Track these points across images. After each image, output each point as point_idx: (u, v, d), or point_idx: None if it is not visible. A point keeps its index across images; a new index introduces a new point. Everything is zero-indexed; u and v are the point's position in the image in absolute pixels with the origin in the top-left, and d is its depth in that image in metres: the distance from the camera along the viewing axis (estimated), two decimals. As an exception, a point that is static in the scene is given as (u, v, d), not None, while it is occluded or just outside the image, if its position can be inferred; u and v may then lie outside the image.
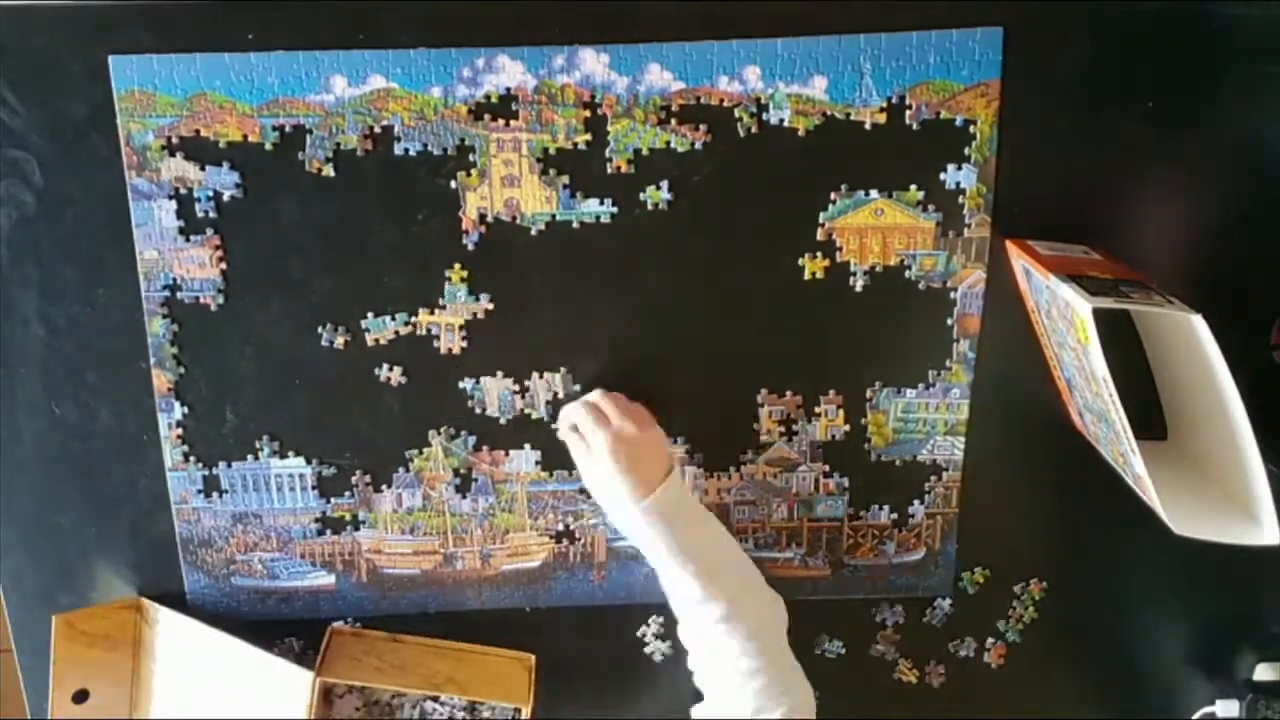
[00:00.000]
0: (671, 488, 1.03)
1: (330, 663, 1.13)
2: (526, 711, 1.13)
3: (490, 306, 1.09)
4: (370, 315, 1.09)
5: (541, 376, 1.12)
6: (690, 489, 1.12)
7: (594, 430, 1.04)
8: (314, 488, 1.15)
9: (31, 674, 1.20)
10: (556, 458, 1.14)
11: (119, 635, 1.16)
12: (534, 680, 1.15)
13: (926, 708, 1.25)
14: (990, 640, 1.23)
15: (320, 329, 1.09)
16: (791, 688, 1.03)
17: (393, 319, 1.09)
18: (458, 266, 1.08)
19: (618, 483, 1.02)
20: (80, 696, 1.14)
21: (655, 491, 1.01)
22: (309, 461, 1.14)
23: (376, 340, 1.10)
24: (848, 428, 1.14)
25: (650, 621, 1.22)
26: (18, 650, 1.20)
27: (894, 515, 1.18)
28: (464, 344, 1.10)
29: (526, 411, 1.12)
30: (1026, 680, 1.24)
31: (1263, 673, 1.21)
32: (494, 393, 1.12)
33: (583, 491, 1.15)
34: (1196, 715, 1.24)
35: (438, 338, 1.10)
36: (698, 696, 1.06)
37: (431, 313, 1.09)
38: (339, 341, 1.10)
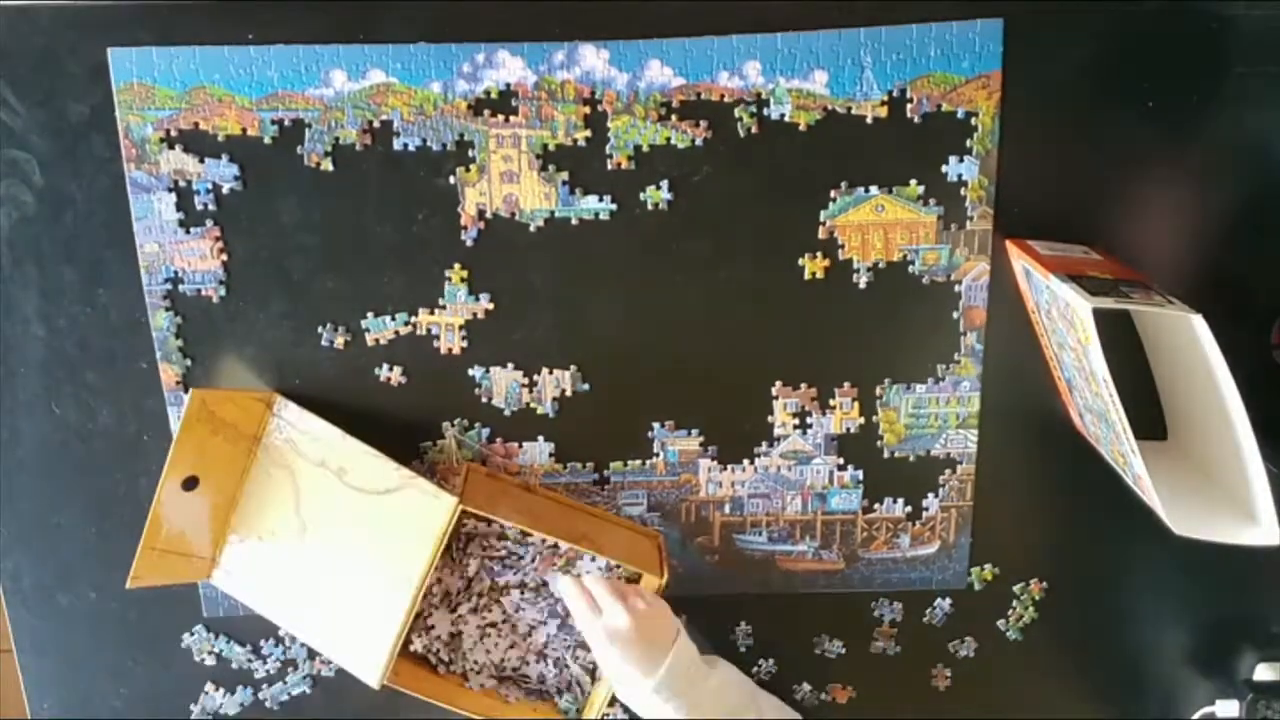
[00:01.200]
0: (678, 664, 1.04)
1: (471, 493, 1.07)
2: (661, 583, 1.10)
3: (490, 306, 1.09)
4: (370, 315, 1.09)
5: (551, 373, 1.12)
6: (696, 654, 1.09)
7: (588, 621, 1.05)
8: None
9: (31, 674, 1.20)
10: (570, 450, 1.15)
11: (244, 427, 1.10)
12: (664, 556, 1.14)
13: (926, 707, 1.25)
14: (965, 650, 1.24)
15: (321, 328, 1.09)
16: None
17: (392, 319, 1.09)
18: (457, 267, 1.08)
19: (620, 669, 1.03)
20: (190, 484, 1.08)
21: (660, 671, 1.02)
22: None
23: (377, 340, 1.10)
24: (862, 420, 1.14)
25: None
26: (18, 650, 1.20)
27: (908, 508, 1.18)
28: (464, 344, 1.10)
29: (532, 406, 1.12)
30: (1026, 680, 1.24)
31: (1263, 673, 1.21)
32: (503, 383, 1.12)
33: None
34: (1196, 715, 1.24)
35: (437, 337, 1.10)
36: None
37: (431, 312, 1.09)
38: (339, 341, 1.10)
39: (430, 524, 1.04)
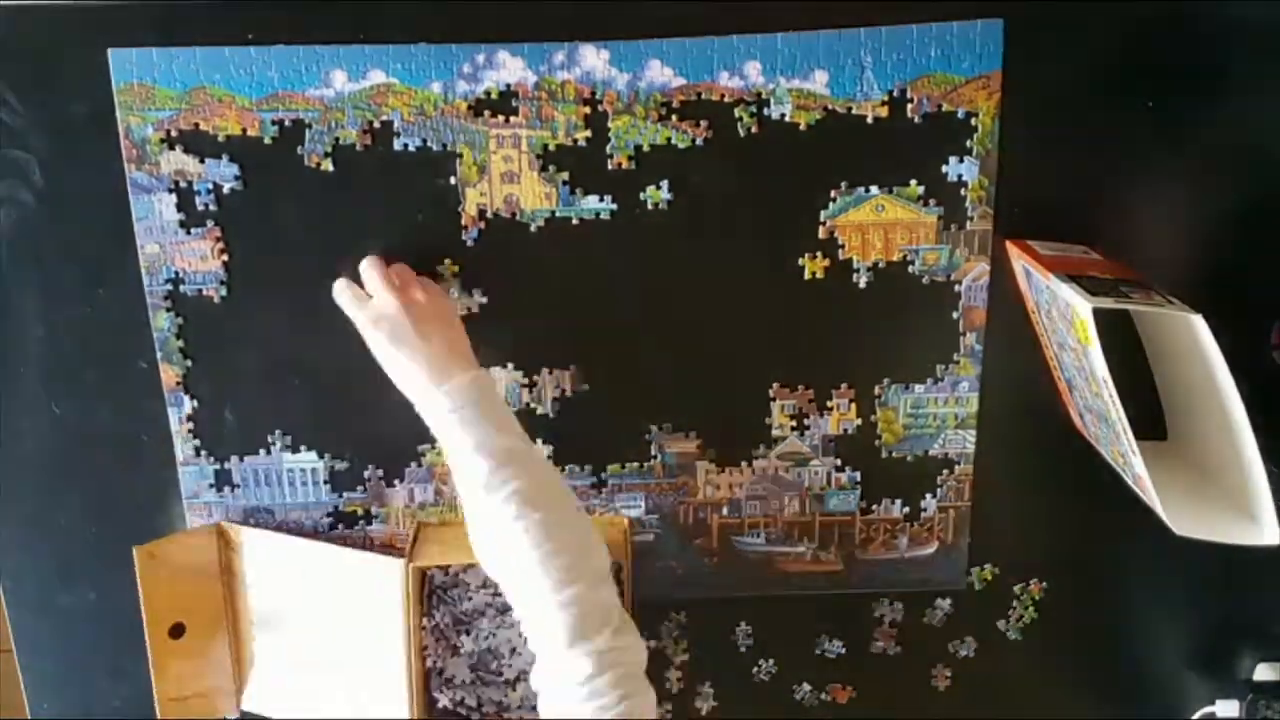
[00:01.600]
0: (479, 386, 0.97)
1: (420, 549, 1.11)
2: (625, 569, 1.10)
3: (484, 300, 1.09)
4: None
5: (551, 373, 1.12)
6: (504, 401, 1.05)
7: (354, 309, 1.01)
8: (326, 482, 1.15)
9: (31, 674, 1.20)
10: (567, 453, 1.15)
11: (204, 563, 1.13)
12: (629, 542, 1.13)
13: (926, 707, 1.25)
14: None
15: (321, 330, 1.09)
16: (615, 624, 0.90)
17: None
18: (448, 262, 1.08)
19: (398, 361, 0.98)
20: (176, 631, 1.11)
21: (452, 382, 0.95)
22: (321, 456, 1.14)
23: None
24: (859, 422, 1.14)
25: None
26: (18, 650, 1.20)
27: (906, 509, 1.18)
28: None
29: (533, 406, 1.12)
30: (1026, 680, 1.24)
31: (1263, 673, 1.21)
32: (502, 384, 1.12)
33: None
34: (1196, 715, 1.24)
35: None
36: None
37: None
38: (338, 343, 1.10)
39: (393, 589, 1.10)
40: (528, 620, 0.91)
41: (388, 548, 1.17)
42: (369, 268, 1.03)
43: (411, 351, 0.97)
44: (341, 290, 1.04)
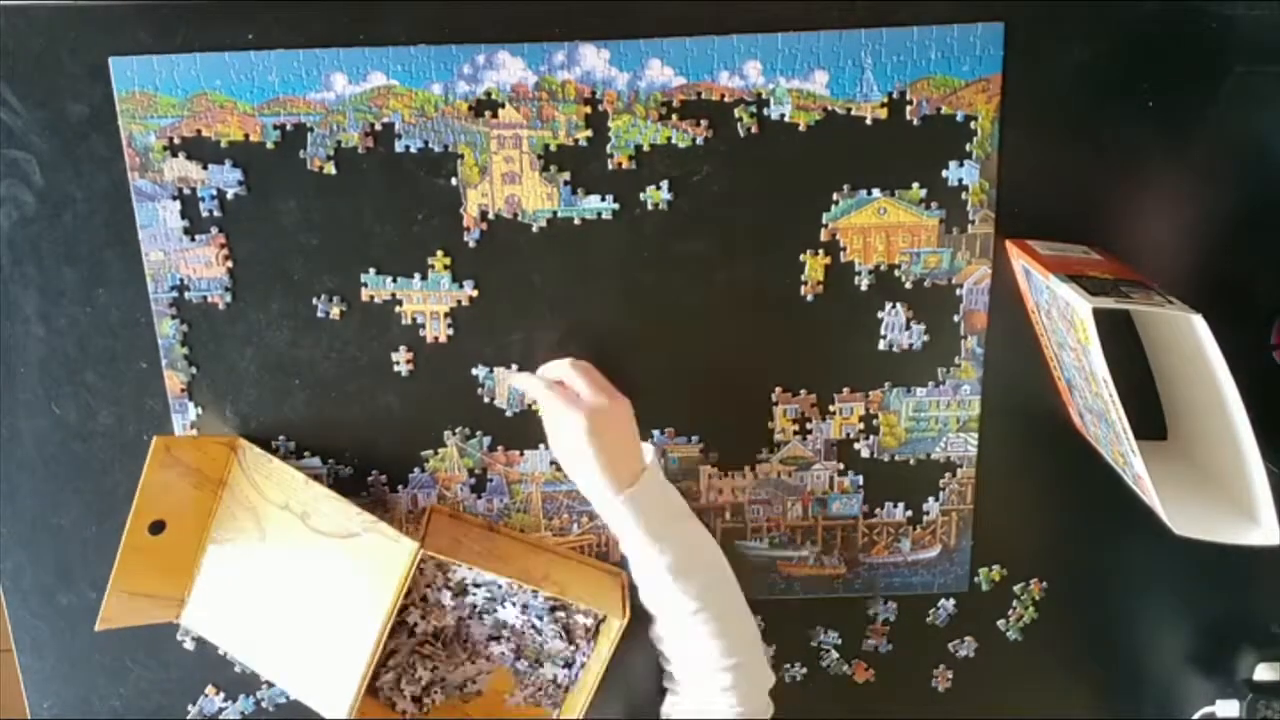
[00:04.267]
0: (651, 480, 1.03)
1: (433, 537, 1.10)
2: (622, 622, 1.10)
3: (474, 294, 1.09)
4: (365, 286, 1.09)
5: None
6: (664, 478, 1.10)
7: (567, 410, 1.02)
8: (329, 487, 1.14)
9: (31, 674, 1.20)
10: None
11: (209, 471, 1.12)
12: (626, 595, 1.13)
13: (926, 707, 1.25)
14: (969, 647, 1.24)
15: (322, 331, 1.10)
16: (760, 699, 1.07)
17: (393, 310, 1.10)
18: (440, 254, 1.08)
19: (594, 470, 1.02)
20: (157, 527, 1.10)
21: (636, 484, 1.02)
22: (325, 461, 1.14)
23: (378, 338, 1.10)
24: (861, 426, 1.14)
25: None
26: (18, 650, 1.20)
27: (909, 512, 1.18)
28: (450, 332, 1.10)
29: (534, 408, 1.12)
30: (1026, 680, 1.24)
31: (1263, 673, 1.21)
32: (505, 384, 1.12)
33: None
34: (1196, 715, 1.24)
35: (423, 326, 1.09)
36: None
37: (416, 303, 1.09)
38: (340, 345, 1.10)
39: (392, 568, 1.06)
40: (691, 677, 1.07)
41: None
42: (581, 371, 1.06)
43: (598, 454, 1.01)
44: (542, 386, 1.06)
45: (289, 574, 1.11)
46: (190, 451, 1.09)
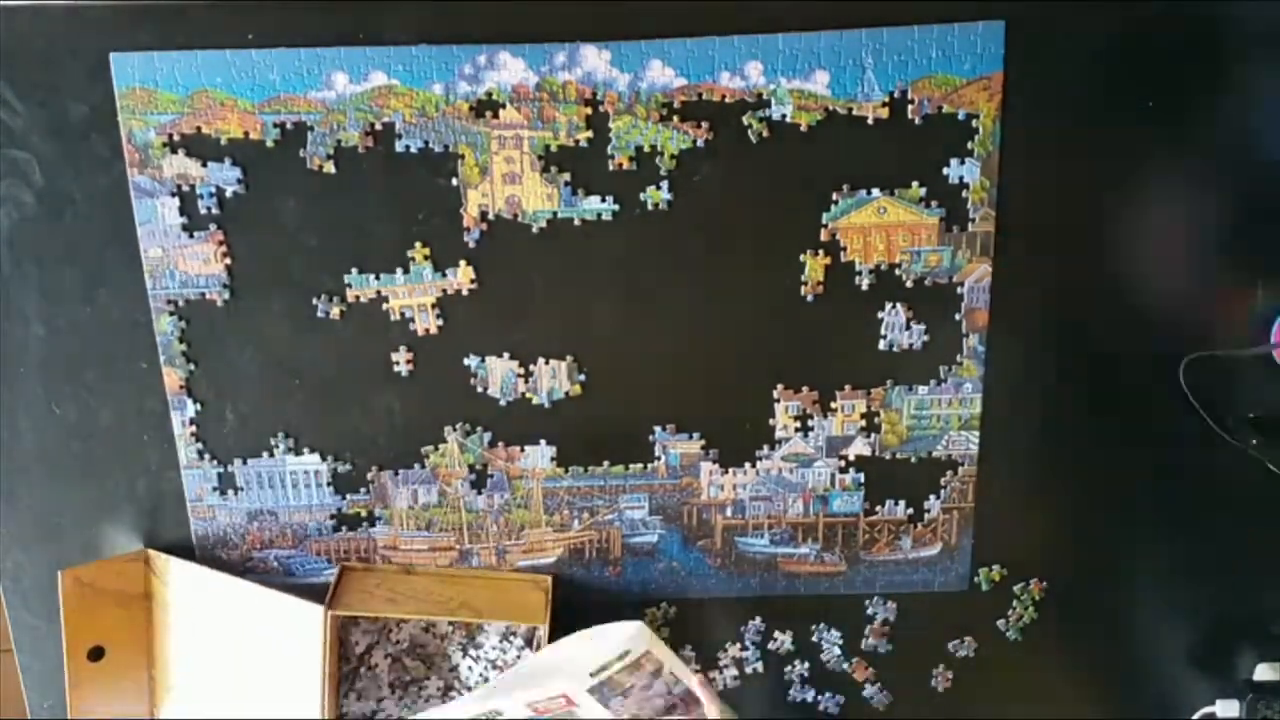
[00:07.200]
0: None
1: (341, 596, 1.12)
2: (544, 630, 1.11)
3: (460, 282, 1.08)
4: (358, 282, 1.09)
5: (548, 363, 1.11)
6: None
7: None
8: (329, 484, 1.15)
9: (31, 674, 1.20)
10: (571, 454, 1.15)
11: (129, 589, 1.14)
12: (550, 600, 1.14)
13: (926, 707, 1.25)
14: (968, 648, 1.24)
15: (322, 332, 1.09)
16: None
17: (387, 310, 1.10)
18: (419, 245, 1.07)
19: None
20: (95, 654, 1.13)
21: None
22: (324, 458, 1.14)
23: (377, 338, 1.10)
24: (863, 424, 1.14)
25: (661, 605, 1.22)
26: (18, 650, 1.20)
27: (910, 510, 1.18)
28: (440, 323, 1.10)
29: (528, 396, 1.12)
30: (1026, 680, 1.24)
31: (1263, 673, 1.21)
32: (498, 373, 1.12)
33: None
34: (1196, 715, 1.24)
35: (412, 320, 1.09)
36: None
37: (399, 296, 1.09)
38: (340, 344, 1.10)
39: (313, 634, 1.11)
40: None
41: (391, 549, 1.17)
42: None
43: None
44: None
45: (237, 664, 1.16)
46: (101, 575, 1.13)
